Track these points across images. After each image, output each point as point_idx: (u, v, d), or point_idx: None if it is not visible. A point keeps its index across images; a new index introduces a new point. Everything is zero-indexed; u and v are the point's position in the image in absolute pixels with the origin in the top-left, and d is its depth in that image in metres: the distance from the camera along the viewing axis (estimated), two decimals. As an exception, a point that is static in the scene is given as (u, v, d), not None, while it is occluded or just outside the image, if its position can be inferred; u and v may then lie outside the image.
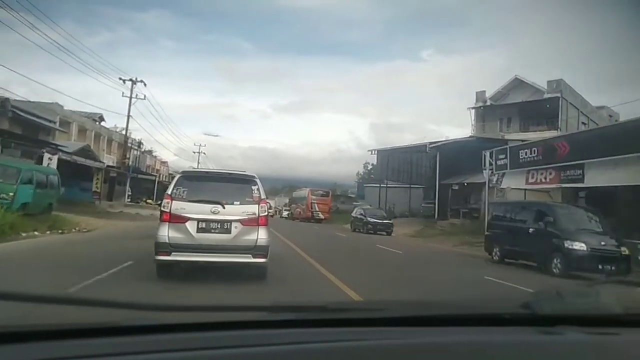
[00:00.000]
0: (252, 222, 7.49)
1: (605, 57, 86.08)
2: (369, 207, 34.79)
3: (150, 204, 41.25)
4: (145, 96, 36.14)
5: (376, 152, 44.47)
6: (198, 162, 58.95)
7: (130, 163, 40.89)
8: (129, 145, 41.14)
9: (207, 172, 9.03)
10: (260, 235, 7.49)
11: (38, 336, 1.04)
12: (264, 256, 7.50)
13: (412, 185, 41.37)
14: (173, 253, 7.17)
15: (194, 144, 61.64)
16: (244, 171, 8.25)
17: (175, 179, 8.03)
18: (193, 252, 7.23)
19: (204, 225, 7.35)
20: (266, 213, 7.78)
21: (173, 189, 7.59)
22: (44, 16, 31.67)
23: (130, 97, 35.50)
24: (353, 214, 33.11)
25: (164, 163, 64.53)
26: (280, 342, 1.10)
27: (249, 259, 7.43)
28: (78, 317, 1.13)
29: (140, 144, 46.68)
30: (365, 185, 56.96)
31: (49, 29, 38.76)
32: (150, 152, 57.74)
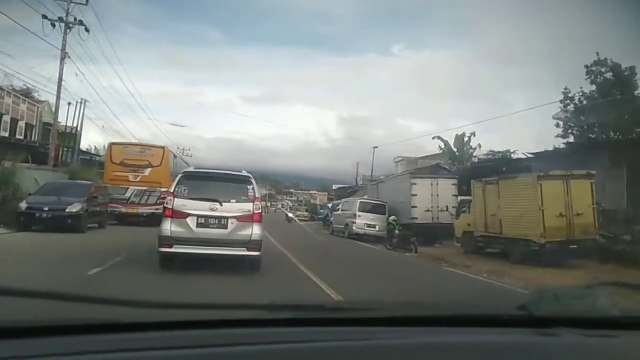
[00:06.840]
0: (247, 219, 8.05)
1: (574, 54, 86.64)
2: None
3: None
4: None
5: None
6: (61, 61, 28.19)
7: None
8: None
9: (206, 172, 9.34)
10: (255, 231, 8.05)
11: (35, 332, 1.04)
12: (258, 249, 8.05)
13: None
14: (175, 245, 7.75)
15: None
16: (241, 171, 8.82)
17: (177, 178, 8.55)
18: (193, 245, 7.78)
19: (202, 220, 7.91)
20: (260, 210, 8.35)
21: (175, 187, 8.17)
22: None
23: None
24: None
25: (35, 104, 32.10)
26: (277, 341, 1.10)
27: (243, 251, 7.99)
28: (75, 314, 1.13)
29: None
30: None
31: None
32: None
